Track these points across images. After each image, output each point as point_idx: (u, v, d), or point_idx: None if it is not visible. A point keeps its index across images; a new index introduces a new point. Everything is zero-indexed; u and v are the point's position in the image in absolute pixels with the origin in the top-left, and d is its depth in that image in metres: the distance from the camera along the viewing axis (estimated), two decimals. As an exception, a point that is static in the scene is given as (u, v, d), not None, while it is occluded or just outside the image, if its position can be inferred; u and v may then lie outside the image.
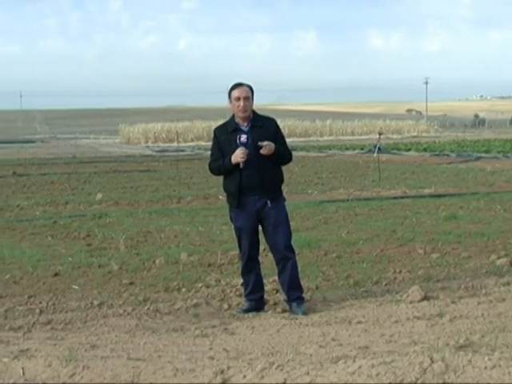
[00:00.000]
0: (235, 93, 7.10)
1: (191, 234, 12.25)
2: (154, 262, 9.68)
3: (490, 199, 16.20)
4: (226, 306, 7.46)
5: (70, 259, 10.04)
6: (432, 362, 4.32)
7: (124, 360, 4.98)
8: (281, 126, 7.60)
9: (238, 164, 6.99)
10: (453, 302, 7.13)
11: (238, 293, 7.86)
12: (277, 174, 7.22)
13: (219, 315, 7.16)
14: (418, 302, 7.16)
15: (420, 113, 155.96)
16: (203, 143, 67.63)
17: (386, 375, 4.19)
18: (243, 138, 7.00)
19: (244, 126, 7.12)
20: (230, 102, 7.18)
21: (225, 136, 7.19)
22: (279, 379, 4.31)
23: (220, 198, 17.60)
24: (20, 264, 9.77)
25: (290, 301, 7.20)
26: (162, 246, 11.07)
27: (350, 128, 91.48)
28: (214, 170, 7.35)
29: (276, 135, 7.18)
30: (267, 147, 6.94)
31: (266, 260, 8.54)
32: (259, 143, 6.94)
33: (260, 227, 7.25)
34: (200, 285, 8.31)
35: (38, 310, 7.35)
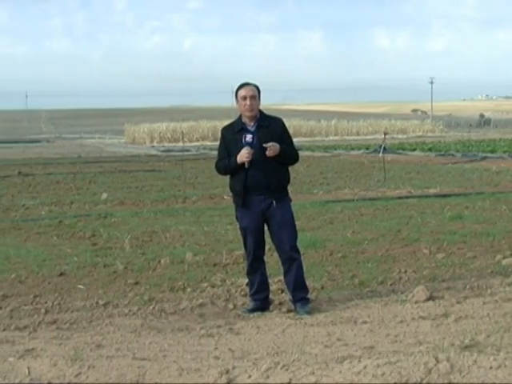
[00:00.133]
0: (242, 92, 7.10)
1: (196, 233, 12.26)
2: (160, 261, 9.68)
3: (495, 199, 16.17)
4: (231, 305, 7.47)
5: (76, 259, 10.05)
6: (437, 362, 4.32)
7: (129, 360, 4.99)
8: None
9: (243, 164, 7.00)
10: (458, 302, 7.12)
11: (243, 293, 7.86)
12: (283, 174, 7.21)
13: (224, 315, 7.16)
14: (424, 302, 7.15)
15: (425, 113, 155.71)
16: (208, 143, 67.61)
17: (392, 375, 4.19)
18: (248, 137, 7.01)
19: (250, 126, 7.12)
20: (237, 101, 7.19)
21: (231, 136, 7.20)
22: (284, 379, 4.31)
23: (225, 197, 17.61)
24: (25, 264, 9.79)
25: (294, 301, 7.20)
26: (168, 246, 11.07)
27: (355, 128, 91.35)
28: (221, 169, 7.37)
29: (283, 135, 7.18)
30: (272, 148, 6.94)
31: (272, 260, 8.54)
32: (264, 145, 6.94)
33: (266, 227, 7.26)
34: (205, 285, 8.31)
35: (43, 310, 7.36)
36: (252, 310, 7.21)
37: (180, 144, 58.97)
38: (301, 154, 7.97)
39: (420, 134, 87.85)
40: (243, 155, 6.96)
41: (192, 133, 79.38)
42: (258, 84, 7.28)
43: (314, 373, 4.35)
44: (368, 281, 8.38)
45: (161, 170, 29.71)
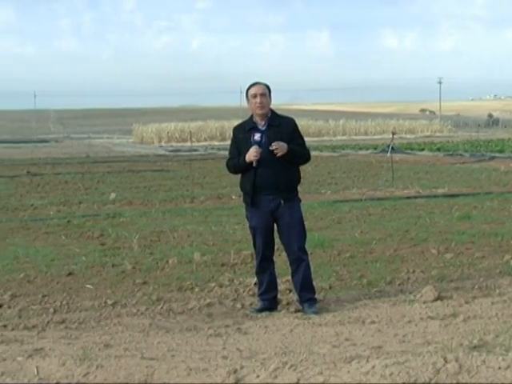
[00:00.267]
0: (252, 90, 7.13)
1: (204, 233, 12.26)
2: (168, 261, 9.69)
3: (503, 199, 16.15)
4: (239, 305, 7.47)
5: (84, 259, 10.07)
6: (446, 362, 4.30)
7: (137, 359, 4.99)
8: (294, 126, 7.56)
9: (252, 163, 7.00)
10: (466, 302, 7.10)
11: (251, 292, 7.87)
12: (293, 174, 7.20)
13: (232, 315, 7.16)
14: (432, 302, 7.14)
15: (433, 112, 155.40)
16: (216, 143, 67.67)
17: (400, 375, 4.18)
18: (257, 136, 7.03)
19: (261, 125, 7.13)
20: (248, 100, 7.20)
21: (242, 135, 7.22)
22: (292, 379, 4.31)
23: (233, 197, 17.64)
24: (34, 263, 9.81)
25: (302, 301, 7.20)
26: (176, 246, 11.08)
27: (363, 128, 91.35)
28: (231, 168, 7.40)
29: (293, 135, 7.15)
30: (279, 148, 6.93)
31: (280, 260, 8.54)
32: (270, 148, 6.94)
33: (276, 227, 7.26)
34: (213, 284, 8.31)
35: (51, 309, 7.38)
36: (260, 310, 7.21)
37: (188, 144, 59.08)
38: (309, 153, 7.94)
39: (428, 133, 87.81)
40: (251, 154, 6.97)
41: (200, 133, 79.48)
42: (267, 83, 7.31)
43: (322, 373, 4.34)
44: (376, 281, 8.37)
45: (169, 170, 29.75)
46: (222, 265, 9.46)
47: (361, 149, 46.97)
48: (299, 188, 7.39)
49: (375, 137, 79.91)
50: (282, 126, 7.13)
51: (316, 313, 6.98)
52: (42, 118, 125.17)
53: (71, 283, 8.64)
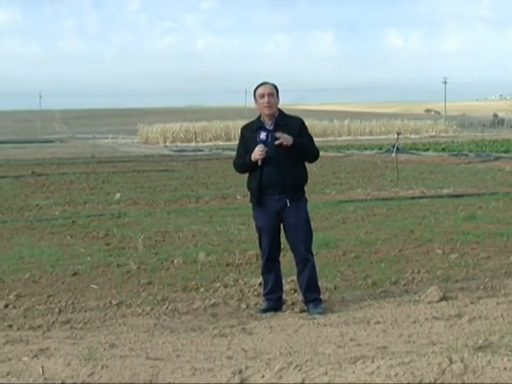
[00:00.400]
0: (259, 90, 7.13)
1: (209, 233, 12.27)
2: (173, 261, 9.70)
3: (509, 199, 16.12)
4: (244, 305, 7.47)
5: (89, 259, 10.09)
6: (451, 362, 4.30)
7: (142, 359, 5.00)
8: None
9: (257, 161, 7.01)
10: (472, 303, 7.09)
11: (256, 292, 7.86)
12: (300, 173, 7.18)
13: (237, 315, 7.16)
14: (437, 302, 7.13)
15: (438, 113, 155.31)
16: (221, 143, 67.63)
17: (405, 376, 4.18)
18: (262, 135, 7.03)
19: (268, 125, 7.13)
20: (256, 101, 7.20)
21: (249, 134, 7.22)
22: (297, 379, 4.31)
23: (238, 197, 17.63)
24: (39, 263, 9.83)
25: (306, 302, 7.20)
26: (180, 246, 11.09)
27: (368, 128, 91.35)
28: (238, 167, 7.41)
29: (300, 133, 7.13)
30: (282, 138, 6.90)
31: (284, 260, 8.52)
32: (276, 135, 6.93)
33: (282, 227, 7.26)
34: (218, 284, 8.32)
35: (57, 310, 7.39)
36: (265, 310, 7.21)
37: (193, 144, 59.12)
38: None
39: (433, 134, 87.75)
40: (256, 153, 6.98)
41: (205, 133, 79.53)
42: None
43: (327, 373, 4.35)
44: (381, 281, 8.37)
45: (174, 170, 29.78)
46: (227, 265, 9.47)
47: (366, 149, 46.95)
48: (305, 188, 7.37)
49: (380, 137, 79.87)
50: (288, 125, 7.11)
51: (321, 313, 6.97)
52: (47, 118, 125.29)
53: (76, 283, 8.65)
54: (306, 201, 7.31)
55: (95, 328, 6.66)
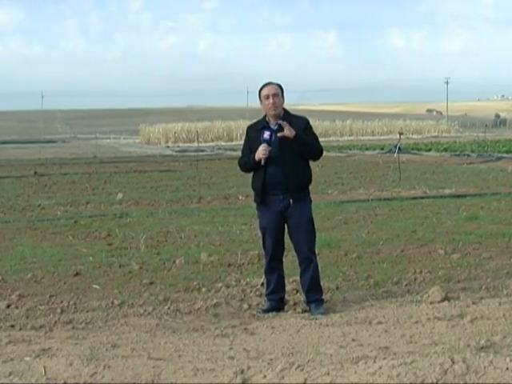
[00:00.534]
0: (264, 91, 7.13)
1: (211, 233, 12.27)
2: (175, 261, 9.70)
3: (511, 199, 16.11)
4: (246, 305, 7.47)
5: (91, 259, 10.09)
6: (453, 362, 4.30)
7: (145, 359, 5.00)
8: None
9: (261, 160, 7.01)
10: (474, 303, 7.09)
11: (258, 293, 7.86)
12: (304, 173, 7.18)
13: (239, 315, 7.17)
14: (439, 302, 7.12)
15: (440, 113, 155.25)
16: (223, 143, 67.59)
17: (407, 376, 4.18)
18: (266, 134, 7.03)
19: (273, 125, 7.13)
20: (261, 101, 7.20)
21: (254, 133, 7.24)
22: (299, 379, 4.31)
23: (240, 198, 17.64)
24: (41, 263, 9.83)
25: (308, 302, 7.20)
26: (182, 246, 11.09)
27: (370, 128, 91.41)
28: (242, 166, 7.43)
29: (304, 132, 7.13)
30: (286, 128, 6.91)
31: (286, 260, 8.50)
32: (279, 122, 6.94)
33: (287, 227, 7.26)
34: (220, 285, 8.32)
35: (59, 310, 7.39)
36: (267, 311, 7.21)
37: (195, 144, 59.02)
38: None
39: (435, 134, 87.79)
40: (260, 152, 6.99)
41: (207, 133, 79.50)
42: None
43: (328, 373, 4.35)
44: (383, 281, 8.37)
45: (176, 170, 29.79)
46: (229, 265, 9.47)
47: (368, 149, 46.95)
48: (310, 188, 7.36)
49: (382, 137, 79.96)
50: (293, 124, 7.09)
51: (323, 313, 6.97)
52: (49, 119, 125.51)
53: (78, 283, 8.66)
54: (311, 201, 7.30)
55: (97, 328, 6.67)
